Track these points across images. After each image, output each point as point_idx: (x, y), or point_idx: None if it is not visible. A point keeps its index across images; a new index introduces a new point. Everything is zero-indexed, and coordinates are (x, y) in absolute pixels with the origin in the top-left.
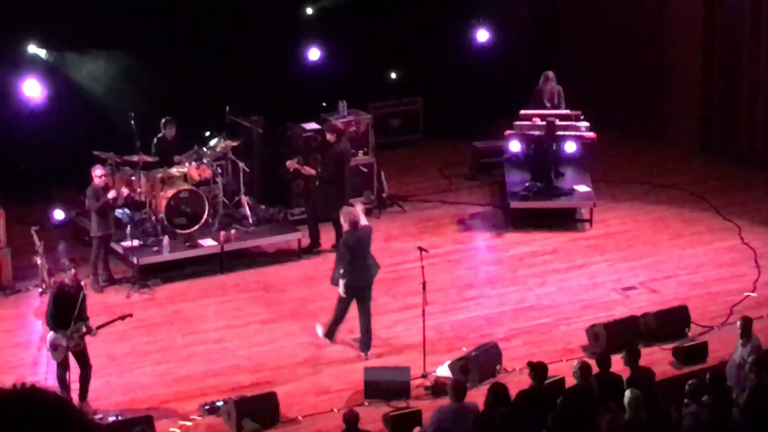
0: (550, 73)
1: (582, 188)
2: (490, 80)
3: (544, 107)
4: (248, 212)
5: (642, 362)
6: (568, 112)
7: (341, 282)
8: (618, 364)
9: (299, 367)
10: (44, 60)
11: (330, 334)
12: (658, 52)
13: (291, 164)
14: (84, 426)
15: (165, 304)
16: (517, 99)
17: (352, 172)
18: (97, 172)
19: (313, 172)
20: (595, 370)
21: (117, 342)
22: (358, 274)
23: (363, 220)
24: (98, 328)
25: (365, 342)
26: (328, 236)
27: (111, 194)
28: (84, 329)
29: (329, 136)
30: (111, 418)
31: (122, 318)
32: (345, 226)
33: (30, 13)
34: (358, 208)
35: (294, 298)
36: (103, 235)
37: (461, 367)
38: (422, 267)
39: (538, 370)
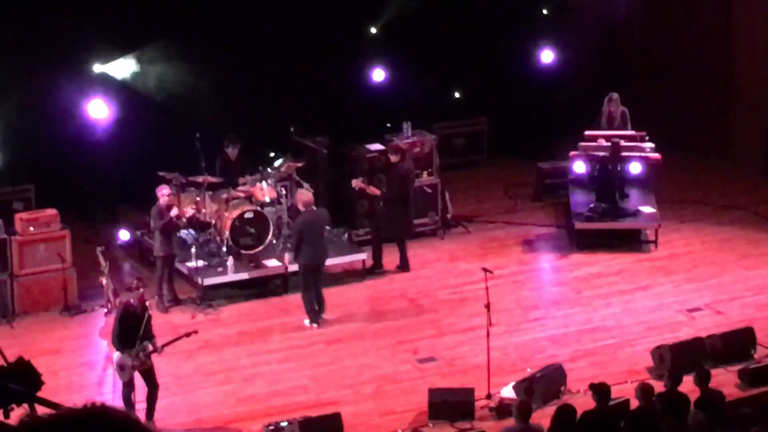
0: (615, 95)
1: (647, 209)
2: (554, 101)
3: (607, 129)
4: None
5: None
6: (633, 132)
7: (287, 254)
8: (687, 384)
9: (363, 388)
10: (110, 79)
11: (313, 319)
12: (723, 72)
13: (356, 183)
14: None
15: (229, 324)
16: (582, 120)
17: (417, 193)
18: (164, 191)
19: (377, 192)
20: (664, 387)
21: (182, 362)
22: (308, 254)
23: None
24: (164, 345)
25: (317, 314)
26: (392, 257)
27: (174, 212)
28: (150, 348)
29: (393, 157)
30: None
31: (188, 335)
32: (300, 208)
33: (94, 32)
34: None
35: (358, 318)
36: (165, 255)
37: (526, 388)
38: (486, 288)
39: (600, 391)
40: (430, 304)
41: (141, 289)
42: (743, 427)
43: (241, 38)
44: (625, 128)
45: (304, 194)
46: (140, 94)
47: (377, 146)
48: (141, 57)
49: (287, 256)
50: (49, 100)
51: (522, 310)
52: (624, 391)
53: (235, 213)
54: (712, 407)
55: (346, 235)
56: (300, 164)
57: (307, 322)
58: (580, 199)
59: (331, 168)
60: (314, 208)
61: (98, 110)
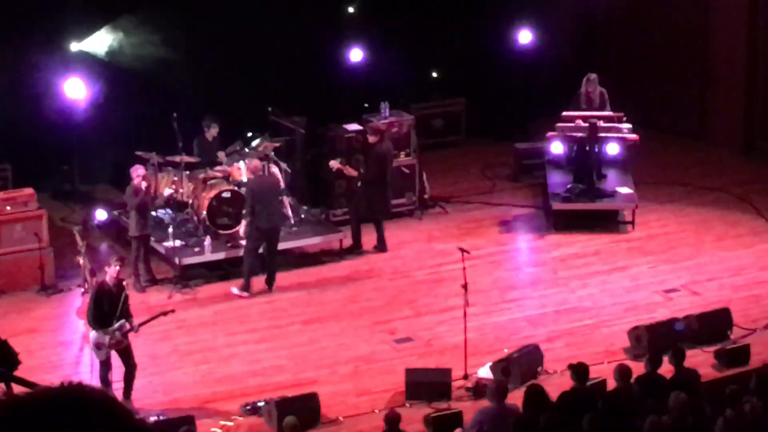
0: (593, 76)
1: (624, 190)
2: (532, 81)
3: (585, 110)
4: (290, 213)
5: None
6: (610, 113)
7: (243, 222)
8: (662, 365)
9: (341, 368)
10: (87, 58)
11: (245, 286)
12: (701, 54)
13: (334, 164)
14: (131, 423)
15: (207, 304)
16: (560, 100)
17: (394, 173)
18: (138, 171)
19: (355, 173)
20: (643, 370)
21: (159, 342)
22: (261, 217)
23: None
24: (140, 324)
25: (269, 280)
26: (370, 237)
27: (143, 184)
28: (127, 327)
29: (371, 138)
30: (153, 418)
31: (164, 314)
32: (249, 175)
33: (71, 8)
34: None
35: (335, 298)
36: (141, 235)
37: (503, 368)
38: (464, 268)
39: (579, 371)
40: (408, 285)
41: (117, 267)
42: (732, 403)
43: (218, 18)
44: (603, 109)
45: (252, 162)
46: (117, 72)
47: (355, 126)
48: (116, 31)
49: (243, 224)
50: (26, 80)
51: (499, 290)
52: (601, 371)
53: (213, 193)
54: (688, 386)
55: (323, 215)
56: (277, 144)
57: (235, 290)
58: (557, 180)
59: (308, 148)
60: (264, 174)
61: (75, 89)
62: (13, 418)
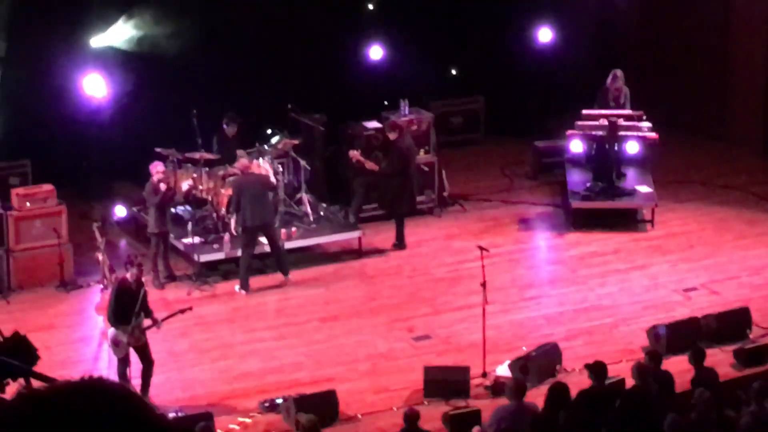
0: (619, 72)
1: (644, 189)
2: (551, 79)
3: (609, 106)
4: (309, 210)
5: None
6: (630, 112)
7: (232, 219)
8: (682, 364)
9: (359, 365)
10: (107, 54)
11: (243, 285)
12: (721, 53)
13: (354, 155)
14: (150, 418)
15: (225, 301)
16: (579, 98)
17: (416, 170)
18: (158, 168)
19: (375, 167)
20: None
21: (177, 338)
22: (247, 214)
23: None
24: (162, 320)
25: (283, 269)
26: (389, 234)
27: (162, 186)
28: (145, 324)
29: (391, 135)
30: (171, 414)
31: (182, 312)
32: (237, 172)
33: (92, 7)
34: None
35: (353, 296)
36: (160, 232)
37: (521, 366)
38: (483, 266)
39: (596, 370)
40: (426, 282)
41: (139, 268)
42: (759, 400)
43: (238, 14)
44: (625, 108)
45: (241, 161)
46: (137, 68)
47: (374, 124)
48: (136, 25)
49: (233, 221)
50: (46, 75)
51: (518, 288)
52: (619, 370)
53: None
54: (707, 386)
55: (342, 212)
56: (297, 142)
57: (237, 287)
58: (576, 178)
59: (328, 145)
60: (251, 172)
61: (95, 86)
62: (34, 412)
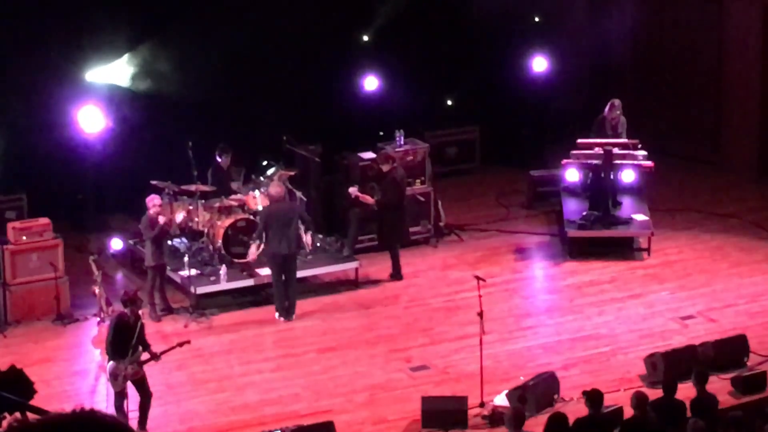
0: (617, 102)
1: (640, 217)
2: (546, 109)
3: (607, 135)
4: (306, 241)
5: None
6: (625, 141)
7: (252, 246)
8: (680, 392)
9: (357, 396)
10: (102, 88)
11: (281, 313)
12: (715, 80)
13: (353, 191)
14: None
15: (222, 333)
16: (574, 128)
17: (409, 201)
18: (154, 201)
19: (371, 200)
20: (659, 395)
21: (174, 371)
22: (271, 243)
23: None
24: (162, 353)
25: (288, 309)
26: (385, 266)
27: (161, 219)
28: (144, 357)
29: (384, 167)
30: None
31: (180, 345)
32: (268, 201)
33: (87, 38)
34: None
35: (350, 326)
36: (156, 265)
37: (519, 396)
38: (479, 296)
39: (593, 397)
40: (423, 313)
41: (136, 304)
42: (736, 429)
43: (233, 46)
44: (621, 137)
45: (273, 187)
46: (133, 101)
47: (370, 155)
48: (132, 60)
49: (253, 248)
50: (41, 109)
51: (515, 318)
52: (617, 399)
53: (228, 222)
54: (707, 411)
55: (338, 244)
56: (292, 173)
57: (277, 315)
58: (572, 207)
59: (323, 176)
60: (283, 202)
61: (90, 119)
62: None
